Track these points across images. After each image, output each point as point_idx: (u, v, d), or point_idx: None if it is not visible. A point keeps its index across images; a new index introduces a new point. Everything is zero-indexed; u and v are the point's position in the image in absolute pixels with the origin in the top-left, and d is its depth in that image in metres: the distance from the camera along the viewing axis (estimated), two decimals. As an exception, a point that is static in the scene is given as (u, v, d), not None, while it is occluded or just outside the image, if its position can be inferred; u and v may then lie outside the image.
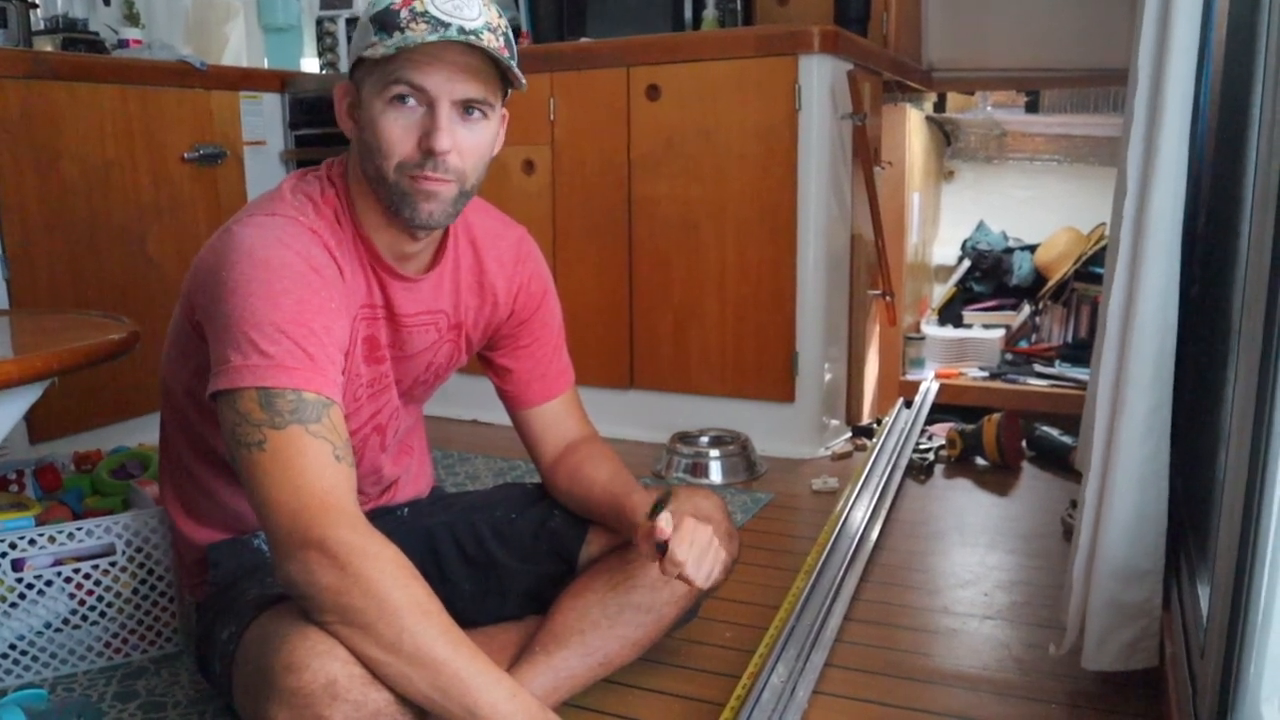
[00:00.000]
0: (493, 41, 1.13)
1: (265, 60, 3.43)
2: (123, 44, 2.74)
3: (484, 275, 1.37)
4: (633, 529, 1.27)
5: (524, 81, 1.19)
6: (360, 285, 1.24)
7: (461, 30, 1.11)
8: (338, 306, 1.16)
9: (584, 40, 2.76)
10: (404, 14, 1.11)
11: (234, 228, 1.17)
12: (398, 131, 1.14)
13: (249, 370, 1.07)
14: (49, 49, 2.52)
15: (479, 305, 1.38)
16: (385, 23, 1.12)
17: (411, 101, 1.14)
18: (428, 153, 1.14)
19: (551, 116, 2.66)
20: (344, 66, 3.24)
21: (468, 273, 1.35)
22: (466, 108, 1.15)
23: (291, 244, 1.14)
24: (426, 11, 1.11)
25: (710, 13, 2.81)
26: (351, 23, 3.26)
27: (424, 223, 1.19)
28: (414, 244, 1.26)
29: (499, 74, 1.17)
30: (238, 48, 3.39)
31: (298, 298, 1.11)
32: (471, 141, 1.17)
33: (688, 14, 2.79)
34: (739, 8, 2.83)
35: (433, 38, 1.09)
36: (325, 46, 3.30)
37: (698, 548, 1.20)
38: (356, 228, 1.23)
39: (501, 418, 1.48)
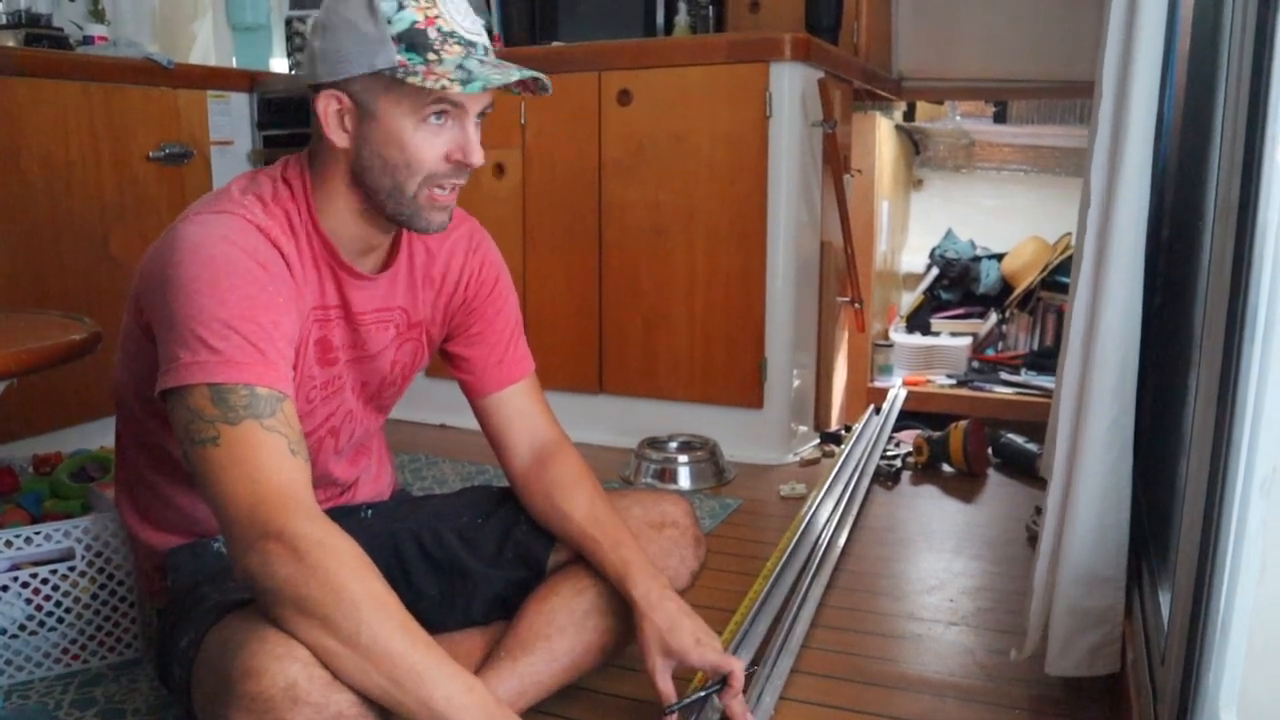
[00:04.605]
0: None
1: (234, 59, 3.39)
2: (88, 40, 2.69)
3: (434, 267, 1.37)
4: (621, 589, 1.30)
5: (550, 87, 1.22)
6: (314, 286, 1.24)
7: (487, 49, 1.17)
8: (286, 301, 1.15)
9: (555, 44, 2.76)
10: (433, 34, 1.13)
11: (179, 226, 1.16)
12: (432, 148, 1.17)
13: (199, 367, 1.06)
14: (10, 44, 2.47)
15: (435, 298, 1.38)
16: (416, 43, 1.12)
17: (444, 119, 1.16)
18: (459, 165, 1.18)
19: (522, 120, 2.66)
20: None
21: (421, 270, 1.36)
22: (479, 113, 1.20)
23: (238, 240, 1.13)
24: (454, 32, 1.15)
25: (682, 18, 2.83)
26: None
27: (435, 230, 1.24)
28: (384, 236, 1.27)
29: None
30: (205, 46, 3.35)
31: (245, 293, 1.10)
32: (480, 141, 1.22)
33: (659, 19, 2.80)
34: (710, 14, 2.84)
35: (496, 78, 1.13)
36: (295, 46, 3.26)
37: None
38: (315, 228, 1.23)
39: (470, 422, 1.46)
